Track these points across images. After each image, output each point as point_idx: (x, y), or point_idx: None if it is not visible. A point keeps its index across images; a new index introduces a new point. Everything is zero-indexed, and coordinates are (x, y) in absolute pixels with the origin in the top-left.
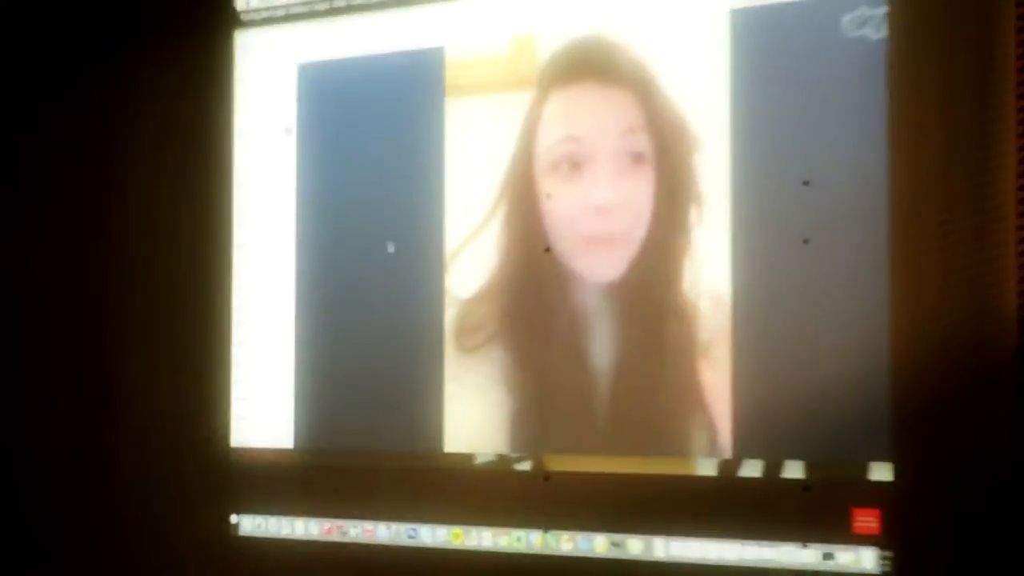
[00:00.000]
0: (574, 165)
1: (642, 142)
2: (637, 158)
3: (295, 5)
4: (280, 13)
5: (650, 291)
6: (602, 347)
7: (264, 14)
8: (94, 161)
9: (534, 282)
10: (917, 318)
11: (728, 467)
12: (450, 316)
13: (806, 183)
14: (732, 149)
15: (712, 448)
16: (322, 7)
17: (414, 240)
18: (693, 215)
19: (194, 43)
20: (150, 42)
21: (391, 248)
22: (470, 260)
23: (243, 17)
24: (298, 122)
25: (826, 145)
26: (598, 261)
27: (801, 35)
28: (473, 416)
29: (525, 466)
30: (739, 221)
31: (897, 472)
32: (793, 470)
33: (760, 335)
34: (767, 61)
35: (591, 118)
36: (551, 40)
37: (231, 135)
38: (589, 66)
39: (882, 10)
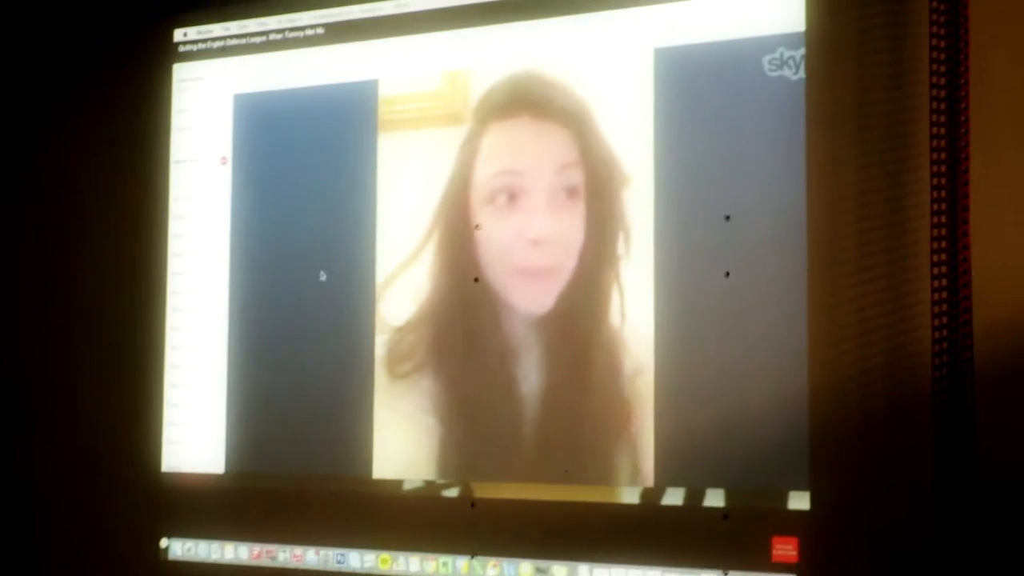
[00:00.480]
0: (511, 197)
1: (576, 177)
2: (571, 192)
3: (231, 38)
4: (217, 46)
5: (578, 323)
6: (530, 376)
7: (201, 46)
8: (33, 191)
9: (464, 312)
10: (835, 349)
11: (650, 495)
12: (382, 343)
13: (727, 218)
14: (656, 185)
15: (635, 476)
16: (258, 40)
17: (346, 269)
18: (621, 248)
19: (134, 75)
20: (91, 74)
21: (323, 276)
22: (402, 289)
23: (181, 49)
24: (233, 152)
25: (747, 181)
26: (529, 293)
27: (723, 74)
28: (402, 442)
29: (452, 493)
30: (662, 255)
31: (814, 501)
32: (714, 499)
33: (682, 366)
34: (690, 99)
35: (528, 152)
36: (485, 75)
37: (168, 164)
38: (525, 101)
39: (800, 51)
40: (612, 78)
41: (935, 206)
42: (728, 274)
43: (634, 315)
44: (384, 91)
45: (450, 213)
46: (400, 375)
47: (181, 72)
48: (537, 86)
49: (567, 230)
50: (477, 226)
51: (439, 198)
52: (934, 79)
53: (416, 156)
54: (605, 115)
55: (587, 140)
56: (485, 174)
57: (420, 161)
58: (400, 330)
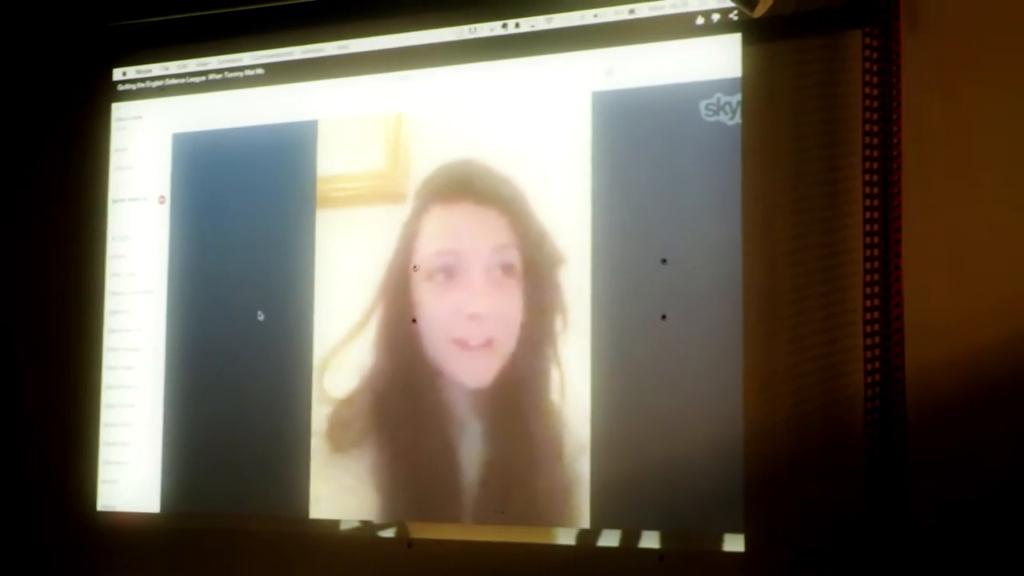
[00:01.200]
0: (449, 275)
1: (513, 256)
2: (508, 270)
3: (171, 77)
4: (156, 85)
5: (518, 398)
6: (469, 437)
7: (140, 85)
8: None
9: (405, 383)
10: (769, 392)
11: (586, 536)
12: (323, 416)
13: (664, 261)
14: (592, 227)
15: (571, 518)
16: (197, 80)
17: (284, 308)
18: (558, 325)
19: (73, 113)
20: (31, 112)
21: (261, 316)
22: (344, 362)
23: (120, 88)
24: (172, 190)
25: (684, 224)
26: (468, 366)
27: (660, 118)
28: (339, 483)
29: (389, 533)
30: (598, 298)
31: (748, 543)
32: (650, 540)
33: (618, 408)
34: (627, 142)
35: (466, 234)
36: (427, 158)
37: (106, 203)
38: (466, 188)
39: (736, 97)
40: (550, 121)
41: (867, 252)
42: (664, 316)
43: (572, 389)
44: (323, 170)
45: (391, 289)
46: (341, 448)
47: (120, 111)
48: (478, 175)
49: (504, 306)
50: (417, 304)
51: (381, 275)
52: (867, 126)
53: (356, 230)
54: (542, 195)
55: (524, 224)
56: (425, 253)
57: (360, 235)
58: (342, 403)
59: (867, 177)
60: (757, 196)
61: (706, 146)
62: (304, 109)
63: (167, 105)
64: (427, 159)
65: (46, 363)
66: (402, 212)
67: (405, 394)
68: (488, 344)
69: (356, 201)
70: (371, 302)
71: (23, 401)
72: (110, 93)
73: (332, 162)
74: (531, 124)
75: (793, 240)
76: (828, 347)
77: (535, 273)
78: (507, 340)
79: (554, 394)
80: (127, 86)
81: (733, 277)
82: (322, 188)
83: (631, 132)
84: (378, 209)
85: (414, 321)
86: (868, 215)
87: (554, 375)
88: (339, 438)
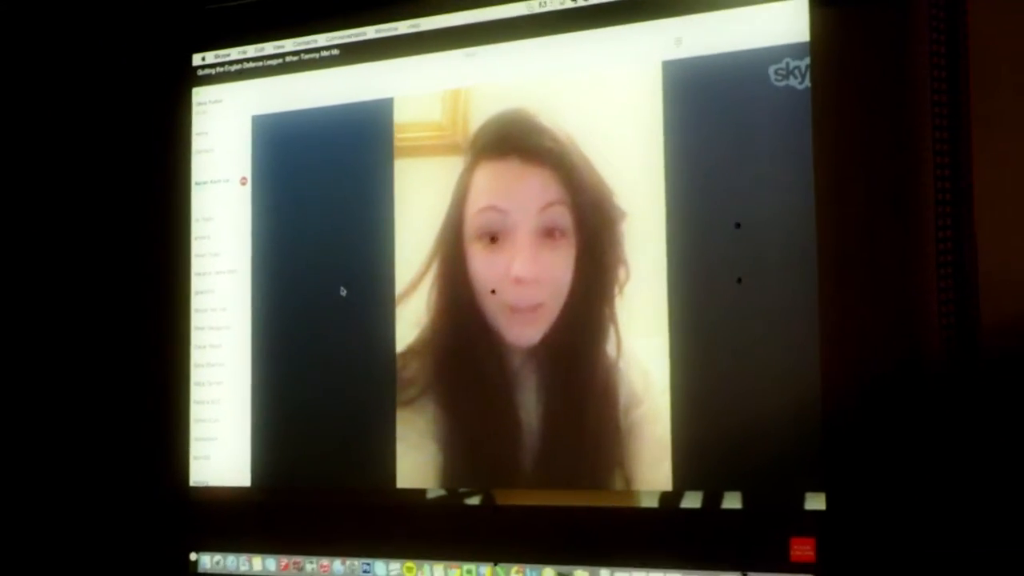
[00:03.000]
0: (495, 235)
1: (563, 216)
2: (557, 232)
3: (248, 61)
4: (235, 69)
5: (569, 356)
6: (535, 401)
7: (219, 70)
8: (58, 218)
9: (462, 340)
10: (847, 350)
11: (669, 499)
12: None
13: (738, 225)
14: (666, 201)
15: (653, 481)
16: (274, 62)
17: (366, 283)
18: (616, 281)
19: (154, 100)
20: (113, 101)
21: (343, 292)
22: (404, 315)
23: (200, 73)
24: (253, 172)
25: (756, 189)
26: (517, 328)
27: (730, 85)
28: (424, 453)
29: (475, 500)
30: (673, 263)
31: (830, 501)
32: (732, 501)
33: (697, 371)
34: (698, 110)
35: (513, 192)
36: (483, 107)
37: (189, 186)
38: (513, 142)
39: (805, 61)
40: (619, 89)
41: (940, 208)
42: (740, 280)
43: (635, 343)
44: (396, 117)
45: (447, 245)
46: (405, 402)
47: (200, 96)
48: (526, 129)
49: (552, 269)
50: (469, 264)
51: (439, 230)
52: (936, 84)
53: (424, 183)
54: (603, 150)
55: (576, 180)
56: (474, 209)
57: (428, 188)
58: (403, 355)
59: (937, 134)
60: (828, 158)
61: (777, 111)
62: (379, 87)
63: (246, 88)
64: (484, 115)
65: (137, 345)
66: (459, 166)
67: (468, 358)
68: (539, 307)
69: (427, 152)
70: (427, 260)
71: (116, 384)
72: (190, 79)
73: (407, 129)
74: (600, 92)
75: (865, 199)
76: (904, 305)
77: (591, 232)
78: (560, 302)
79: (621, 356)
80: (206, 71)
81: (807, 239)
82: (399, 148)
83: (702, 99)
84: (442, 163)
85: (468, 282)
86: (939, 172)
87: (622, 338)
88: (401, 396)
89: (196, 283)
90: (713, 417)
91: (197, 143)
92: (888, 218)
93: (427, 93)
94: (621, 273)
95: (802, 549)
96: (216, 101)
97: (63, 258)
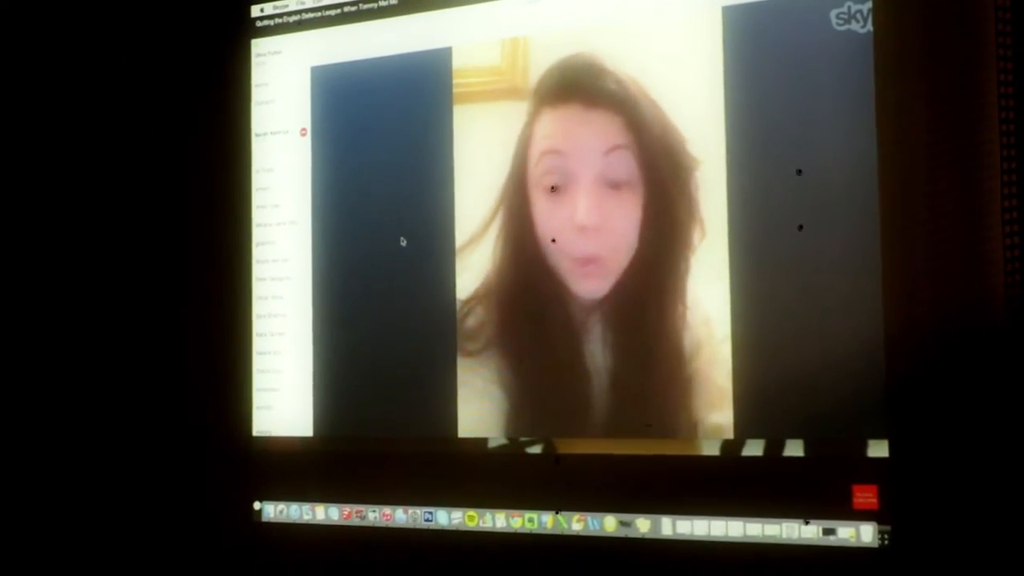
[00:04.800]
0: (558, 183)
1: (629, 164)
2: (621, 181)
3: (307, 12)
4: (293, 20)
5: (638, 310)
6: (600, 349)
7: (278, 21)
8: (122, 170)
9: (528, 289)
10: (909, 298)
11: (731, 447)
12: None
13: (799, 172)
14: (727, 146)
15: (715, 429)
16: (333, 12)
17: (426, 234)
18: (689, 235)
19: (215, 53)
20: (174, 54)
21: (403, 242)
22: (469, 263)
23: (258, 24)
24: (312, 123)
25: (818, 135)
26: (582, 278)
27: (791, 30)
28: (485, 403)
29: (536, 449)
30: (734, 209)
31: (893, 449)
32: (794, 449)
33: (758, 318)
34: (759, 56)
35: (576, 136)
36: (544, 53)
37: (249, 137)
38: (576, 86)
39: (867, 5)
40: (676, 42)
41: (1005, 152)
42: (801, 227)
43: (705, 296)
44: (455, 63)
45: (512, 192)
46: (469, 352)
47: (259, 47)
48: (590, 72)
49: (616, 220)
50: (532, 212)
51: (504, 176)
52: (1000, 26)
53: (489, 129)
54: (664, 93)
55: (643, 125)
56: (536, 156)
57: (492, 134)
58: (467, 303)
59: (1002, 77)
60: (890, 103)
61: (838, 56)
62: (438, 37)
63: (304, 39)
64: (546, 62)
65: (201, 297)
66: (521, 113)
67: (534, 309)
68: (602, 259)
69: (487, 97)
70: (493, 209)
71: (180, 338)
72: (249, 30)
73: (466, 74)
74: (661, 37)
75: (928, 145)
76: (967, 251)
77: (660, 181)
78: (627, 255)
79: (688, 306)
80: (265, 22)
81: (869, 186)
82: (458, 94)
83: (763, 44)
84: (503, 108)
85: (533, 231)
86: (1004, 115)
87: (687, 286)
88: (466, 347)
89: (257, 234)
90: (775, 365)
91: (257, 94)
92: (952, 165)
93: (487, 41)
94: (695, 226)
95: (864, 496)
96: (275, 52)
97: (125, 211)
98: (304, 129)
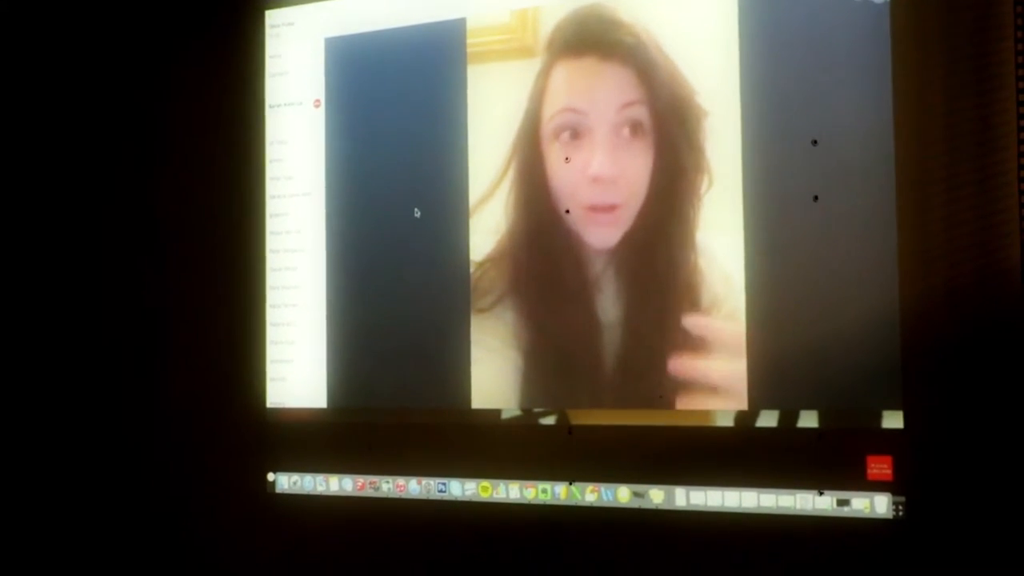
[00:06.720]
0: (574, 135)
1: (641, 114)
2: (635, 130)
3: None
4: None
5: (649, 258)
6: (614, 308)
7: None
8: (135, 141)
9: (541, 245)
10: (925, 268)
11: (745, 418)
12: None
13: (815, 142)
14: (742, 111)
15: (729, 400)
16: None
17: (439, 203)
18: (697, 182)
19: (228, 23)
20: (188, 24)
21: (417, 213)
22: (481, 223)
23: None
24: (326, 94)
25: (834, 105)
26: (596, 228)
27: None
28: (498, 373)
29: (549, 420)
30: (750, 180)
31: (908, 420)
32: (808, 420)
33: (773, 290)
34: (775, 24)
35: (591, 91)
36: (554, 10)
37: (263, 109)
38: (590, 40)
39: None
40: (692, 7)
41: (1022, 122)
42: (816, 198)
43: (714, 247)
44: (471, 24)
45: (526, 148)
46: (481, 309)
47: (273, 18)
48: (605, 24)
49: (630, 169)
50: (546, 166)
51: (515, 133)
52: None
53: (498, 89)
54: (679, 49)
55: (655, 77)
56: (551, 111)
57: (504, 94)
58: (480, 264)
59: (1020, 47)
60: (908, 74)
61: (855, 26)
62: (451, 7)
63: (318, 10)
64: (558, 13)
65: (215, 268)
66: (534, 68)
67: (548, 262)
68: (617, 208)
69: (500, 56)
70: (505, 163)
71: (193, 307)
72: (262, 1)
73: (479, 33)
74: (674, 13)
75: (945, 116)
76: (982, 222)
77: (670, 131)
78: (639, 202)
79: (699, 253)
80: None
81: (885, 157)
82: (472, 54)
83: (779, 12)
84: (516, 67)
85: (547, 185)
86: (1022, 85)
87: (696, 234)
88: (478, 303)
89: (271, 206)
90: (789, 335)
91: (270, 66)
92: (968, 136)
93: (497, 11)
94: (702, 174)
95: (879, 467)
96: (289, 24)
97: (140, 183)
98: (318, 100)
